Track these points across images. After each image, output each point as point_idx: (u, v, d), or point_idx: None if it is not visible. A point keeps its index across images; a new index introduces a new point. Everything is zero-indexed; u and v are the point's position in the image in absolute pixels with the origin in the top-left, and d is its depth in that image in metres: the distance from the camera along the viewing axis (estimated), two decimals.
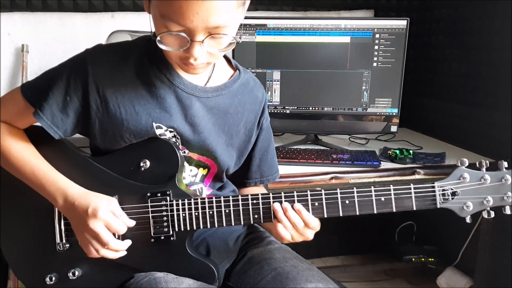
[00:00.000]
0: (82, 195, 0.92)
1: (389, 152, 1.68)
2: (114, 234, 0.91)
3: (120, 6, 1.92)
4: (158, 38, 0.84)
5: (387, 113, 1.77)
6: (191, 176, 1.05)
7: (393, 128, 1.79)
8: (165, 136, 0.98)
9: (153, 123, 0.96)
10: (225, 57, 1.08)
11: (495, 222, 1.69)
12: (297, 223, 0.92)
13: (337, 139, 1.98)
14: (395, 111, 1.77)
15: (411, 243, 2.24)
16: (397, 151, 1.65)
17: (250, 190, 1.17)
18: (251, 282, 1.01)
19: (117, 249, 0.92)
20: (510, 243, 1.67)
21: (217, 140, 1.03)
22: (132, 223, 0.94)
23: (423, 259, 2.06)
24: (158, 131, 0.97)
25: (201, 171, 1.07)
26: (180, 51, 0.86)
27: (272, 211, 0.94)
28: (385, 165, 1.61)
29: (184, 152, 1.02)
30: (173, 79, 0.97)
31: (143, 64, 0.96)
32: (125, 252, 0.93)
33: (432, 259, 2.05)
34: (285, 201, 0.94)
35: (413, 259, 2.07)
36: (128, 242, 0.93)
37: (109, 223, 0.89)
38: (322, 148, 1.80)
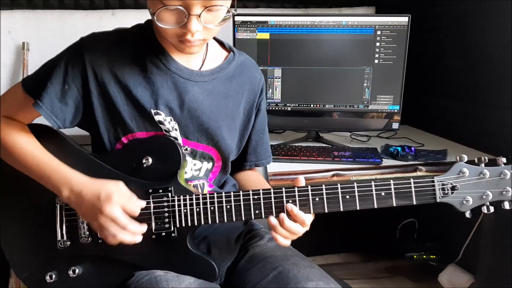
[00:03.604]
0: (88, 183, 0.92)
1: (390, 149, 1.67)
2: None
3: (121, 4, 1.92)
4: (155, 16, 0.85)
5: (389, 110, 1.77)
6: (194, 171, 1.05)
7: (395, 125, 1.79)
8: (164, 124, 0.98)
9: (151, 110, 0.97)
10: (218, 40, 1.09)
11: (496, 219, 1.68)
12: (297, 230, 0.93)
13: (338, 136, 1.98)
14: (396, 108, 1.76)
15: (412, 240, 2.23)
16: (399, 148, 1.65)
17: (246, 174, 1.18)
18: (253, 281, 1.00)
19: (135, 231, 0.90)
20: (511, 241, 1.67)
21: (219, 124, 1.03)
22: (143, 203, 0.93)
23: (424, 256, 2.06)
24: (157, 117, 0.98)
25: (206, 165, 1.07)
26: (177, 28, 0.86)
27: (273, 207, 0.93)
28: (386, 162, 1.61)
29: (187, 150, 1.02)
30: (169, 65, 0.98)
31: (139, 51, 0.97)
32: (141, 238, 0.92)
33: (434, 256, 2.05)
34: (286, 196, 0.93)
35: (415, 256, 2.07)
36: (144, 226, 0.93)
37: (125, 205, 0.89)
38: (324, 145, 1.80)
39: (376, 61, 1.73)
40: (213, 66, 1.03)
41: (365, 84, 1.75)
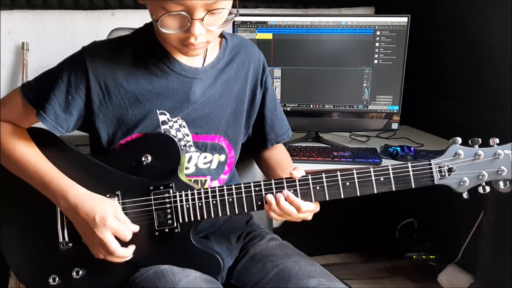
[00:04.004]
0: (85, 198, 0.92)
1: (390, 149, 1.67)
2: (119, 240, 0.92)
3: (120, 4, 1.92)
4: (158, 22, 0.84)
5: (388, 111, 1.77)
6: (202, 164, 1.05)
7: (394, 126, 1.79)
8: (167, 124, 0.99)
9: (157, 110, 0.97)
10: None
11: (496, 219, 1.68)
12: (290, 212, 0.94)
13: (338, 136, 1.97)
14: (396, 108, 1.77)
15: (412, 240, 2.23)
16: (398, 148, 1.65)
17: (272, 154, 1.20)
18: (253, 280, 1.01)
19: (124, 256, 0.93)
20: (511, 240, 1.67)
21: (224, 110, 1.04)
22: (136, 228, 0.95)
23: (424, 257, 2.06)
24: (161, 118, 0.98)
25: (217, 157, 1.07)
26: (180, 32, 0.86)
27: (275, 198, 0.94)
28: (386, 162, 1.61)
29: (186, 144, 1.02)
30: (173, 66, 0.98)
31: (141, 55, 0.97)
32: (131, 256, 0.94)
33: (433, 257, 2.05)
34: (287, 187, 0.94)
35: (414, 257, 2.06)
36: (132, 247, 0.94)
37: (117, 231, 0.90)
38: (323, 145, 1.80)
39: (376, 61, 1.73)
40: (212, 57, 1.03)
41: (364, 84, 1.76)
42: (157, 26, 0.86)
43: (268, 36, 1.74)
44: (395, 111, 1.77)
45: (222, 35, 1.07)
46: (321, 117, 1.81)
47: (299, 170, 0.95)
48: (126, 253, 0.93)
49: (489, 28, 1.76)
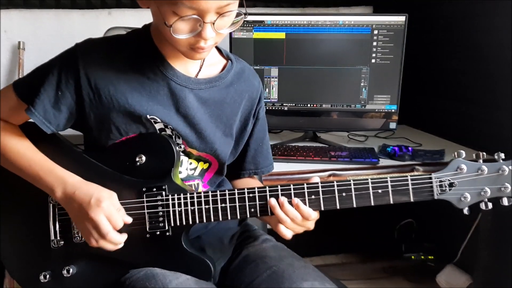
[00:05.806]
0: (83, 185, 0.92)
1: (388, 149, 1.66)
2: None
3: (117, 3, 1.91)
4: (171, 28, 0.84)
5: (386, 110, 1.77)
6: (189, 170, 1.05)
7: (392, 125, 1.78)
8: (164, 132, 0.98)
9: (148, 116, 0.96)
10: (216, 47, 1.07)
11: (494, 220, 1.68)
12: (295, 217, 0.91)
13: (336, 136, 1.97)
14: (394, 108, 1.76)
15: (410, 240, 2.23)
16: (396, 148, 1.64)
17: (244, 182, 1.17)
18: (246, 281, 1.00)
19: (116, 242, 0.91)
20: (510, 241, 1.66)
21: (214, 131, 1.03)
22: (129, 220, 0.93)
23: (422, 257, 2.06)
24: (157, 126, 0.97)
25: (201, 166, 1.06)
26: (191, 37, 0.86)
27: (268, 205, 0.93)
28: (383, 162, 1.60)
29: (181, 147, 1.01)
30: (166, 71, 0.96)
31: (136, 57, 0.96)
32: (122, 245, 0.93)
33: (432, 257, 2.05)
34: (281, 194, 0.92)
35: (413, 257, 2.07)
36: (124, 235, 0.93)
37: (110, 215, 0.89)
38: (321, 145, 1.79)
39: (373, 60, 1.72)
40: (209, 72, 1.02)
41: (362, 84, 1.75)
42: (169, 33, 0.85)
43: (266, 35, 1.73)
44: (393, 110, 1.76)
45: (228, 57, 1.06)
46: (319, 117, 1.80)
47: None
48: (118, 238, 0.91)
49: (487, 27, 1.76)
